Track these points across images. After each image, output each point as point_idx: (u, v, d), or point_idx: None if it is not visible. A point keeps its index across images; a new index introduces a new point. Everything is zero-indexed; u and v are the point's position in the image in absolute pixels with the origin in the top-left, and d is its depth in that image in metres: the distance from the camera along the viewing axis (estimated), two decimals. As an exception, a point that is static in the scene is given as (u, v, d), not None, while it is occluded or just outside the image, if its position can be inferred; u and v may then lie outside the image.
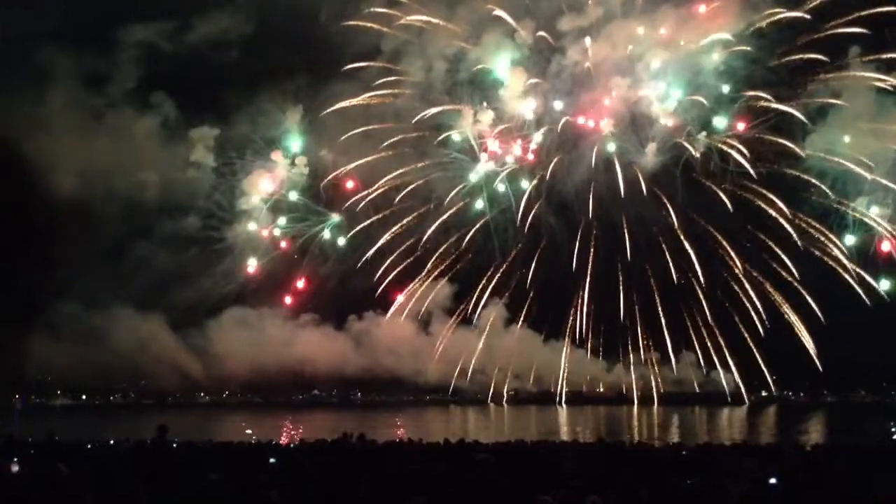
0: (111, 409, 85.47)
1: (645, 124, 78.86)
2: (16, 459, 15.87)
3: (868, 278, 73.34)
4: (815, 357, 77.64)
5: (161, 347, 78.72)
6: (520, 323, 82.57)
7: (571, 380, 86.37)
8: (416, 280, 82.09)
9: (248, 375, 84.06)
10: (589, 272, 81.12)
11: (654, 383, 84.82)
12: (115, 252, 75.24)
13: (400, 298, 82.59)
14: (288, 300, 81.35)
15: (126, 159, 76.93)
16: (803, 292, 75.59)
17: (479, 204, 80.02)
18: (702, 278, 78.15)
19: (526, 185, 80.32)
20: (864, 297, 72.73)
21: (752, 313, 77.70)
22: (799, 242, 75.18)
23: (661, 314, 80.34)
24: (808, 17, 74.03)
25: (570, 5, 77.75)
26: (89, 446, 22.21)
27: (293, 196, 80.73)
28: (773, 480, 11.57)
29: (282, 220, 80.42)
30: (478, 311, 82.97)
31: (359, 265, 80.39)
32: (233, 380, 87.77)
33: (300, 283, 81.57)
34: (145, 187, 76.66)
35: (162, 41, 77.80)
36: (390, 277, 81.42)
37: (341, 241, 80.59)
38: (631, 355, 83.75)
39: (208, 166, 79.33)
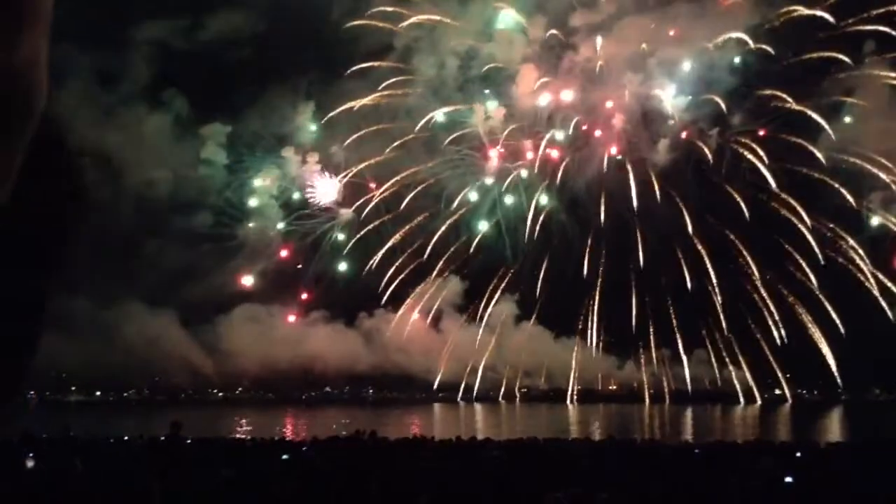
0: (125, 406, 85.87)
1: (657, 121, 78.68)
2: (31, 455, 15.97)
3: (887, 282, 72.87)
4: (833, 366, 77.43)
5: (172, 344, 79.16)
6: (531, 320, 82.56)
7: (583, 377, 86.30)
8: (427, 278, 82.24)
9: (258, 372, 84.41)
10: (600, 270, 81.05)
11: (665, 381, 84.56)
12: (126, 248, 75.74)
13: (410, 296, 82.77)
14: (291, 318, 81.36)
15: (138, 156, 77.42)
16: (822, 298, 75.30)
17: (483, 226, 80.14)
18: (713, 277, 77.90)
19: (537, 184, 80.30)
20: (882, 303, 72.40)
21: (768, 318, 77.44)
22: (813, 243, 74.81)
23: (673, 313, 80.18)
24: (822, 14, 73.60)
25: (582, 1, 77.63)
26: (106, 442, 22.35)
27: (302, 194, 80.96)
28: (788, 479, 11.50)
29: (281, 225, 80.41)
30: (489, 309, 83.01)
31: (369, 263, 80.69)
32: (244, 376, 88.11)
33: (304, 296, 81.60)
34: (157, 184, 77.15)
35: (174, 39, 78.22)
36: (401, 276, 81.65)
37: (343, 267, 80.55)
38: (642, 353, 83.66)
39: (220, 163, 79.74)
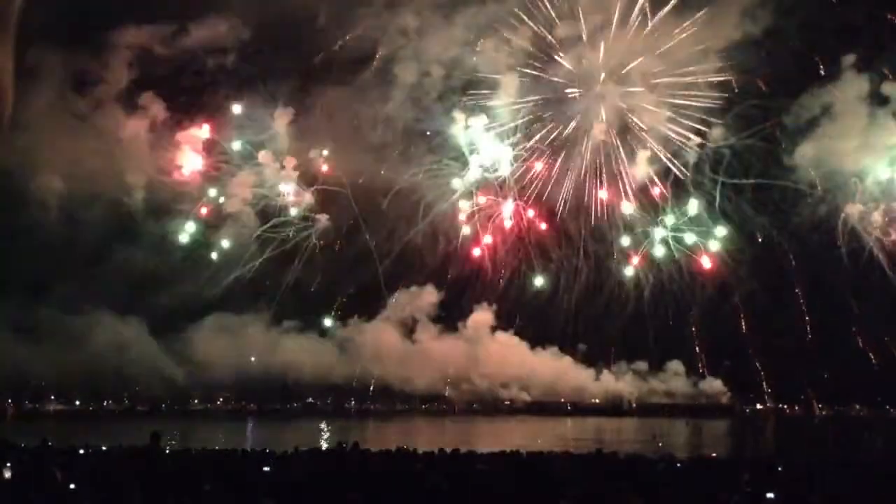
0: (105, 416, 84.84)
1: (637, 133, 79.13)
2: (8, 465, 15.74)
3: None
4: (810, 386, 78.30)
5: (142, 352, 77.84)
6: (509, 332, 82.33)
7: (563, 390, 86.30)
8: (403, 287, 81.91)
9: (232, 382, 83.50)
10: (579, 280, 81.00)
11: (643, 394, 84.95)
12: (99, 255, 74.73)
13: (385, 306, 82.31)
14: None
15: (113, 161, 76.25)
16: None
17: (461, 235, 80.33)
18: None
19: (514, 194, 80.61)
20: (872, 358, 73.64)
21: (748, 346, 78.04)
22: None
23: (652, 325, 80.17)
24: (802, 28, 74.13)
25: (567, 13, 77.91)
26: (82, 452, 22.07)
27: (280, 199, 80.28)
28: (770, 495, 11.54)
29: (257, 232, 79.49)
30: (467, 320, 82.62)
31: (344, 271, 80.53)
32: (220, 387, 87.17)
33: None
34: (131, 190, 76.16)
35: (155, 44, 77.30)
36: (377, 284, 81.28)
37: (320, 275, 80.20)
38: (621, 366, 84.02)
39: (196, 169, 78.94)
